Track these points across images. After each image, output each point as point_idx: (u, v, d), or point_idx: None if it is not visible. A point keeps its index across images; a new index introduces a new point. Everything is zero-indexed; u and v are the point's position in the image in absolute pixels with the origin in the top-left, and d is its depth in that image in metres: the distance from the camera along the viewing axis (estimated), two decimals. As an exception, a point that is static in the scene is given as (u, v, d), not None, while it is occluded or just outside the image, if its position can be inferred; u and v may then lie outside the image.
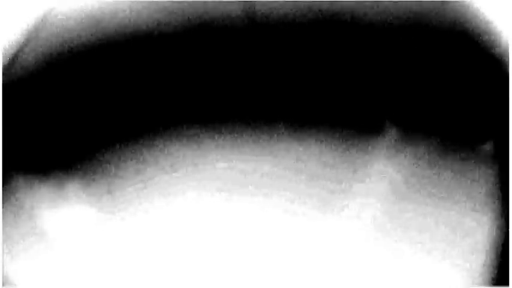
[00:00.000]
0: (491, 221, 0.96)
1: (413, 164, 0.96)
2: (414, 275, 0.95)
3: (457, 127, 0.97)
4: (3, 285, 0.94)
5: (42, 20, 0.97)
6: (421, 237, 0.95)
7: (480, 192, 0.97)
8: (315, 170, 0.95)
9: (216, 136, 0.96)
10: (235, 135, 0.96)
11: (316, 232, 0.95)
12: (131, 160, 0.95)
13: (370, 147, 0.96)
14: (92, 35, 0.98)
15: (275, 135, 0.96)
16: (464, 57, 0.99)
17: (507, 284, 0.96)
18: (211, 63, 0.97)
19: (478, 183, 0.97)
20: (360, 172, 0.95)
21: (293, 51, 0.97)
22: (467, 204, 0.96)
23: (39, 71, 0.97)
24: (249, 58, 0.96)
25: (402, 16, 0.99)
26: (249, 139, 0.96)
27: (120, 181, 0.95)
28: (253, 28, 0.97)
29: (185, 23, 0.97)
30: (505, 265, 0.96)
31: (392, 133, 0.96)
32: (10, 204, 0.95)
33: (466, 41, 1.00)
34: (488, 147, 0.97)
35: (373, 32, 0.98)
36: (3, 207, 0.95)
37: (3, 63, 0.98)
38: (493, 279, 0.96)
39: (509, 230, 0.97)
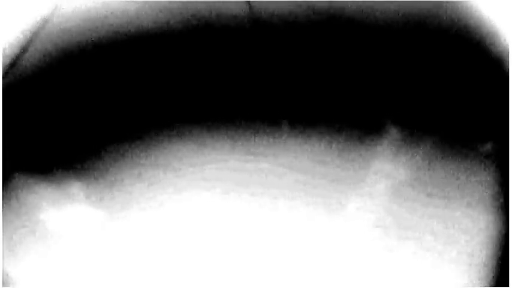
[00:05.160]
0: (492, 220, 0.97)
1: (414, 164, 0.96)
2: (414, 275, 0.95)
3: (457, 127, 0.97)
4: (3, 285, 0.94)
5: (44, 21, 0.97)
6: (421, 237, 0.95)
7: (480, 192, 0.97)
8: (317, 169, 0.96)
9: (218, 136, 0.96)
10: (238, 134, 0.96)
11: (317, 231, 0.95)
12: (133, 160, 0.95)
13: (371, 147, 0.96)
14: (93, 36, 0.98)
15: (277, 135, 0.96)
16: (464, 58, 0.99)
17: (507, 284, 0.97)
18: (213, 63, 0.97)
19: (478, 183, 0.97)
20: (362, 172, 0.95)
21: (295, 51, 0.97)
22: (468, 204, 0.96)
23: (41, 71, 0.97)
24: (251, 58, 0.96)
25: (403, 17, 0.99)
26: (251, 139, 0.96)
27: (122, 180, 0.95)
28: (255, 28, 0.97)
29: (188, 24, 0.97)
30: (505, 265, 0.96)
31: (393, 133, 0.96)
32: (11, 203, 0.95)
33: (466, 41, 1.00)
34: (488, 147, 0.98)
35: (375, 33, 0.98)
36: (4, 207, 0.95)
37: (5, 63, 0.98)
38: (493, 279, 0.96)
39: (509, 230, 0.97)
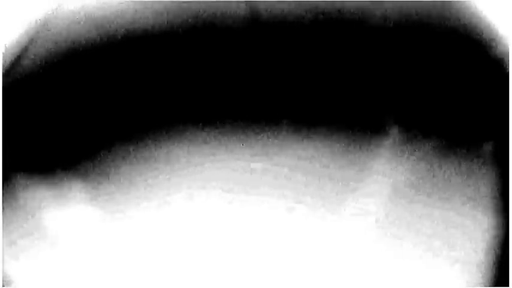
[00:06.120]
0: (492, 221, 0.97)
1: (415, 164, 0.96)
2: (415, 275, 0.95)
3: (458, 127, 0.97)
4: (3, 285, 0.94)
5: (45, 21, 0.97)
6: (422, 237, 0.95)
7: (481, 192, 0.97)
8: (317, 169, 0.96)
9: (218, 136, 0.96)
10: (238, 134, 0.96)
11: (318, 231, 0.95)
12: (132, 160, 0.95)
13: (372, 147, 0.96)
14: (93, 36, 0.98)
15: (277, 134, 0.96)
16: (465, 58, 0.99)
17: (507, 284, 0.97)
18: (213, 63, 0.97)
19: (479, 183, 0.97)
20: (362, 172, 0.95)
21: (296, 51, 0.97)
22: (468, 204, 0.96)
23: (42, 71, 0.97)
24: (252, 58, 0.96)
25: (404, 17, 0.99)
26: (251, 139, 0.96)
27: (121, 180, 0.95)
28: (256, 28, 0.97)
29: (188, 23, 0.97)
30: (505, 265, 0.97)
31: (394, 133, 0.96)
32: (11, 203, 0.95)
33: (467, 41, 1.00)
34: (488, 147, 0.98)
35: (376, 33, 0.98)
36: (3, 207, 0.95)
37: (6, 63, 0.98)
38: (493, 279, 0.96)
39: (509, 230, 0.97)
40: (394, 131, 0.96)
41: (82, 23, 0.98)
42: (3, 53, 0.99)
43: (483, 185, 0.97)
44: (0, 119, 0.96)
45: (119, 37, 0.97)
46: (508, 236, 0.97)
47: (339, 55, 0.97)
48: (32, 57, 0.98)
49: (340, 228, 0.95)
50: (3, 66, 0.98)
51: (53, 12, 0.98)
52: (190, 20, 0.97)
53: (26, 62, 0.98)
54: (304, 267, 0.95)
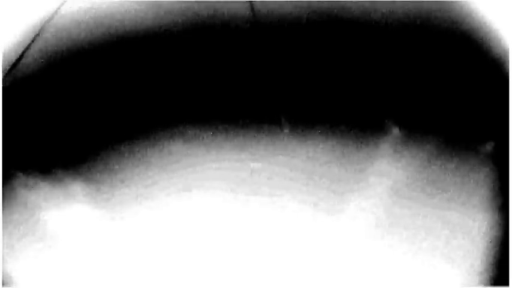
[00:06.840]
0: (492, 221, 0.97)
1: (415, 164, 0.96)
2: (414, 275, 0.95)
3: (458, 128, 0.98)
4: (3, 285, 0.94)
5: (46, 20, 0.97)
6: (421, 237, 0.95)
7: (481, 193, 0.97)
8: (317, 169, 0.96)
9: (218, 136, 0.96)
10: (237, 134, 0.96)
11: (317, 231, 0.95)
12: (133, 159, 0.95)
13: (372, 147, 0.96)
14: (93, 35, 0.98)
15: (277, 135, 0.96)
16: (465, 58, 0.99)
17: (507, 284, 0.97)
18: (214, 63, 0.97)
19: (479, 183, 0.97)
20: (362, 172, 0.95)
21: (296, 51, 0.97)
22: (468, 204, 0.96)
23: (42, 70, 0.97)
24: (252, 58, 0.96)
25: (404, 16, 0.99)
26: (251, 139, 0.96)
27: (122, 180, 0.95)
28: (257, 28, 0.97)
29: (189, 23, 0.97)
30: (505, 265, 0.97)
31: (394, 133, 0.96)
32: (11, 203, 0.95)
33: (467, 42, 1.00)
34: (488, 147, 0.98)
35: (376, 33, 0.98)
36: (4, 207, 0.95)
37: (7, 63, 0.98)
38: (493, 279, 0.96)
39: (509, 230, 0.97)
40: (394, 131, 0.96)
41: (83, 22, 0.98)
42: (3, 53, 0.99)
43: (483, 184, 0.97)
44: (0, 119, 0.96)
45: (119, 37, 0.97)
46: (507, 235, 0.97)
47: (339, 55, 0.98)
48: (33, 56, 0.98)
49: (340, 228, 0.95)
50: (3, 66, 0.98)
51: (54, 12, 0.98)
52: (191, 20, 0.97)
53: (26, 62, 0.98)
54: (304, 267, 0.95)
